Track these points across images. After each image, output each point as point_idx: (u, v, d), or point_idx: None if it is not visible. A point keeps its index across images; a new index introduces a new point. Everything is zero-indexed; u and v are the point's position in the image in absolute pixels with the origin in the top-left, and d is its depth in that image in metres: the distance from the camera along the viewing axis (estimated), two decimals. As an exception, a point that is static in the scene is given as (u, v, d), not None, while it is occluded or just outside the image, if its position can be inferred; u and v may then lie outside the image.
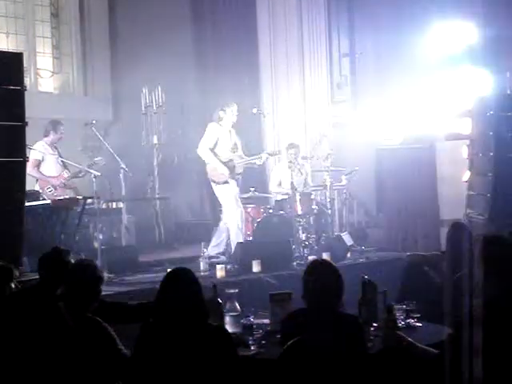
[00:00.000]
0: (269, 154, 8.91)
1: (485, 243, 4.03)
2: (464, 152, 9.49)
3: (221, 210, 9.17)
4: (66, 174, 8.51)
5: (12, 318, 2.75)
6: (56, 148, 8.60)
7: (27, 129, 5.86)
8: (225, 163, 8.53)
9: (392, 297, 4.95)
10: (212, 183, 8.66)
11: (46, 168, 8.46)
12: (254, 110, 9.14)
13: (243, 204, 8.82)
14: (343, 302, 3.95)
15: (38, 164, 8.38)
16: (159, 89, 10.58)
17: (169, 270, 6.48)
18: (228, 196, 8.56)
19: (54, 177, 8.45)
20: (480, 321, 3.22)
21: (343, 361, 3.39)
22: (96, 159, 8.61)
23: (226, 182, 8.54)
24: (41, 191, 8.24)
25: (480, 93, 9.64)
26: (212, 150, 8.52)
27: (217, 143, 8.55)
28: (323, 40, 11.24)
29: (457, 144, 9.98)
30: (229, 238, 8.55)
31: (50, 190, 8.34)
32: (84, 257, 7.26)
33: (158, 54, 10.49)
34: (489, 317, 3.24)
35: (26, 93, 5.79)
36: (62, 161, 8.58)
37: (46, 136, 8.49)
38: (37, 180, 8.37)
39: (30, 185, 7.86)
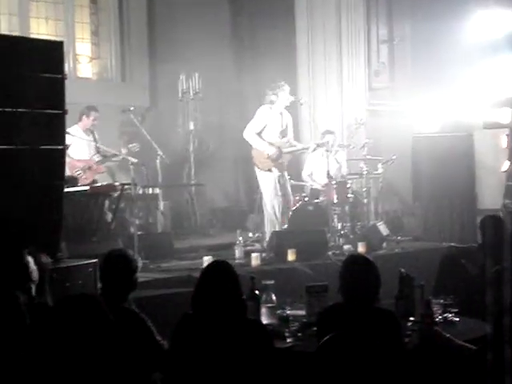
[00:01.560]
0: (317, 145, 8.85)
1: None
2: (503, 141, 9.38)
3: (256, 198, 9.21)
4: (96, 159, 8.61)
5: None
6: (92, 133, 8.70)
7: (64, 114, 5.91)
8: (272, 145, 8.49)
9: (428, 289, 4.92)
10: (255, 168, 8.63)
11: (76, 151, 8.55)
12: (291, 98, 9.09)
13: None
14: (379, 294, 3.95)
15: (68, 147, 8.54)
16: (196, 75, 10.58)
17: (206, 260, 6.61)
18: (268, 184, 8.51)
19: (83, 160, 8.56)
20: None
21: (380, 356, 3.38)
22: (130, 145, 8.68)
23: (269, 170, 8.51)
24: (69, 174, 8.39)
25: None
26: (259, 134, 8.48)
27: (264, 128, 8.49)
28: (361, 27, 11.13)
29: (496, 133, 9.87)
30: (265, 226, 8.54)
31: (78, 172, 8.45)
32: (121, 242, 7.39)
33: (195, 41, 10.50)
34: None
35: (64, 79, 5.84)
36: (97, 146, 8.67)
37: (79, 121, 8.64)
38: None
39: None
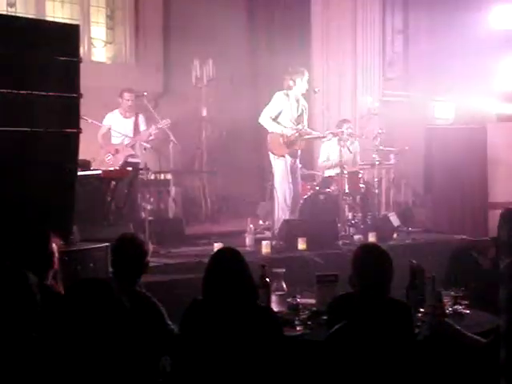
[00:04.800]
0: (332, 134, 8.83)
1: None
2: (516, 135, 9.34)
3: (267, 186, 9.20)
4: (126, 141, 8.67)
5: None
6: (136, 115, 8.84)
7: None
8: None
9: (438, 281, 4.92)
10: (270, 154, 8.62)
11: (113, 137, 8.78)
12: (306, 85, 9.04)
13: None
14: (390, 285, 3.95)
15: (107, 133, 8.79)
16: (210, 62, 10.57)
17: (217, 247, 6.63)
18: (281, 170, 8.49)
19: (112, 145, 8.70)
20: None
21: (391, 347, 3.39)
22: (163, 121, 8.71)
23: (283, 156, 8.49)
24: (101, 158, 8.56)
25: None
26: (274, 119, 8.47)
27: (280, 114, 8.47)
28: (377, 16, 11.09)
29: (509, 126, 9.82)
30: (275, 214, 8.54)
31: (108, 158, 8.56)
32: (132, 226, 7.41)
33: (209, 27, 10.50)
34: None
35: (79, 63, 5.85)
36: (138, 129, 8.78)
37: (119, 105, 8.83)
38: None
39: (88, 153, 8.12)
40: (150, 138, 8.69)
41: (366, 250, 3.77)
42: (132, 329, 2.88)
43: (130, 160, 8.65)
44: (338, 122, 9.33)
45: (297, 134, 8.42)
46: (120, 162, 8.59)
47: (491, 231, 8.93)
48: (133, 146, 8.74)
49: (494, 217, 8.78)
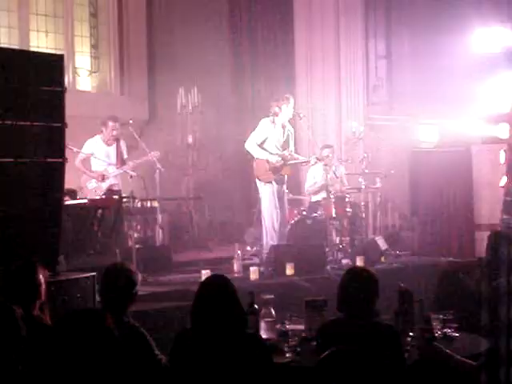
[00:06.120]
0: (317, 159, 8.85)
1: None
2: (501, 157, 9.39)
3: (254, 212, 9.21)
4: (110, 170, 8.63)
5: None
6: (117, 141, 8.74)
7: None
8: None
9: (427, 304, 4.92)
10: (257, 180, 8.62)
11: (94, 163, 8.67)
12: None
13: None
14: (378, 309, 3.95)
15: (87, 159, 8.65)
16: (195, 89, 10.62)
17: (205, 274, 6.61)
18: (268, 196, 8.48)
19: (98, 172, 8.62)
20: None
21: (380, 372, 3.38)
22: (153, 153, 8.72)
23: (270, 182, 8.50)
24: (82, 185, 8.47)
25: (518, 98, 9.54)
26: (260, 145, 8.48)
27: (266, 140, 8.50)
28: (360, 42, 11.19)
29: (494, 148, 9.89)
30: (263, 240, 8.53)
31: (91, 184, 8.51)
32: (119, 255, 7.38)
33: (194, 55, 10.57)
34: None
35: (64, 92, 5.85)
36: (120, 156, 8.72)
37: (101, 132, 8.70)
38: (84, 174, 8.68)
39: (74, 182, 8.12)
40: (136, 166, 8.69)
41: (352, 273, 3.78)
42: (122, 360, 2.85)
43: (114, 188, 8.60)
44: (321, 147, 9.37)
45: (281, 161, 8.44)
46: (103, 190, 8.52)
47: (478, 253, 8.97)
48: (117, 175, 8.70)
49: (481, 238, 8.85)
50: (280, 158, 8.44)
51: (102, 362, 2.74)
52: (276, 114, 8.52)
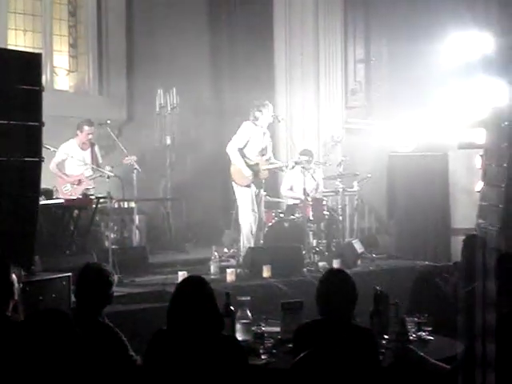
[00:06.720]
0: (295, 163, 8.87)
1: (500, 260, 4.03)
2: (477, 162, 9.46)
3: (232, 213, 9.21)
4: (87, 174, 8.57)
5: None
6: (92, 146, 8.69)
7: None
8: (250, 166, 8.51)
9: (402, 307, 4.95)
10: (233, 184, 8.64)
11: (69, 167, 8.59)
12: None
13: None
14: (354, 311, 3.96)
15: (62, 163, 8.57)
16: (174, 90, 10.60)
17: (181, 275, 6.60)
18: (246, 199, 8.51)
19: (74, 176, 8.56)
20: (493, 335, 3.21)
21: (355, 374, 3.38)
22: (128, 158, 8.72)
23: (248, 186, 8.51)
24: (57, 189, 8.37)
25: (494, 103, 9.60)
26: (241, 150, 8.49)
27: (247, 144, 8.51)
28: (339, 46, 11.22)
29: (470, 153, 9.95)
30: (241, 242, 8.54)
31: (66, 188, 8.44)
32: (95, 256, 7.34)
33: (173, 56, 10.56)
34: (502, 331, 3.22)
35: (41, 91, 5.82)
36: (96, 160, 8.68)
37: (76, 135, 8.64)
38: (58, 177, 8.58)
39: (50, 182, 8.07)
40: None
41: (330, 275, 3.79)
42: (90, 359, 2.84)
43: (89, 192, 8.52)
44: (299, 152, 9.38)
45: (252, 176, 8.46)
46: (79, 193, 8.45)
47: (454, 257, 9.02)
48: (93, 179, 8.65)
49: (457, 242, 8.89)
50: (251, 173, 8.45)
51: (65, 362, 2.72)
52: (256, 119, 8.54)
